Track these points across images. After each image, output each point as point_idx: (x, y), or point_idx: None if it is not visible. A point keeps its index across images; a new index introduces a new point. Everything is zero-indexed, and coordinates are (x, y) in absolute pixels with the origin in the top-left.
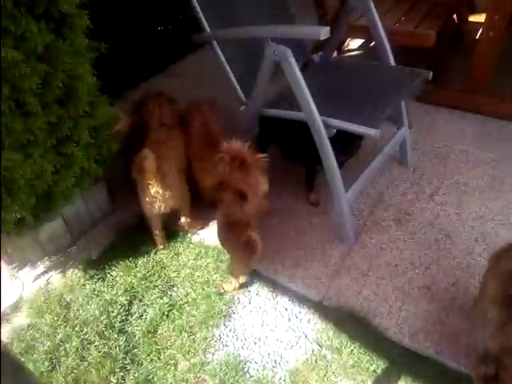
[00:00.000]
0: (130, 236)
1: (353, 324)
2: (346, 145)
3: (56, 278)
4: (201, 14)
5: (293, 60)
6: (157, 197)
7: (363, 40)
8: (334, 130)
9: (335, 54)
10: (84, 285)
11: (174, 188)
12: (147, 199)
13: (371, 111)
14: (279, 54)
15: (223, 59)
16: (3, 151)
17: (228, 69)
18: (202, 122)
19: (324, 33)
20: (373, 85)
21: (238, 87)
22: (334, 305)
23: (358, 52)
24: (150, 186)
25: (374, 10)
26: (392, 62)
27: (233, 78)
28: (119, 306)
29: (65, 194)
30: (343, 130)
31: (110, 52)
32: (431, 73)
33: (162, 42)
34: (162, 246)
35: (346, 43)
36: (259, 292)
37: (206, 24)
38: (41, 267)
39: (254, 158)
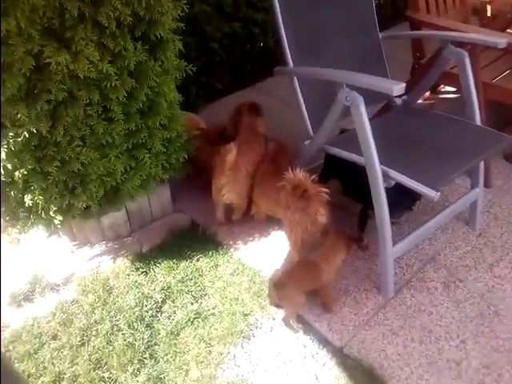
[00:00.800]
0: (179, 238)
1: (367, 380)
2: (403, 199)
3: (107, 263)
4: (287, 49)
5: (363, 108)
6: (224, 186)
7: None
8: (393, 182)
9: (428, 94)
10: (128, 274)
11: (239, 185)
12: (217, 185)
13: (439, 171)
14: (350, 99)
15: (299, 92)
16: (84, 148)
17: (301, 101)
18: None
19: (397, 90)
20: (450, 142)
21: (307, 121)
22: (354, 355)
23: (455, 96)
24: (223, 176)
25: (467, 61)
26: (478, 119)
27: (304, 111)
28: (153, 302)
29: (130, 193)
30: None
31: (202, 66)
32: None
33: (252, 58)
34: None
35: (440, 87)
36: (283, 322)
37: (290, 59)
38: (97, 249)
39: (316, 190)
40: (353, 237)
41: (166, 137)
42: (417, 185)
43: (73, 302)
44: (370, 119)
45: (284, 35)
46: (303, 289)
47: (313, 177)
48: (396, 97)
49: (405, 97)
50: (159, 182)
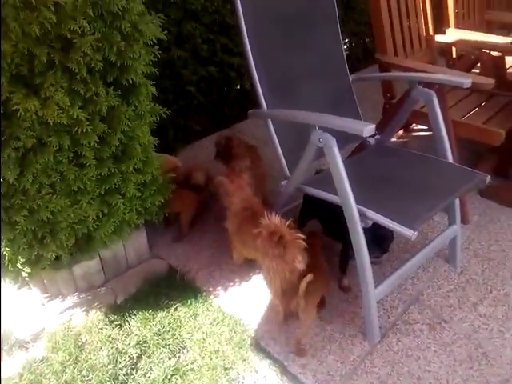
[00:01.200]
0: (156, 287)
1: None
2: (382, 239)
3: (79, 316)
4: (260, 92)
5: (336, 149)
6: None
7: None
8: (370, 222)
9: (401, 132)
10: (102, 329)
11: None
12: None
13: (415, 209)
14: (323, 141)
15: (273, 133)
16: (54, 196)
17: (276, 142)
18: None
19: (367, 131)
20: (425, 180)
21: (283, 161)
22: None
23: (428, 133)
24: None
25: (435, 101)
26: (450, 156)
27: (280, 152)
28: (128, 358)
29: (103, 240)
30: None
31: (180, 109)
32: (488, 177)
33: (229, 100)
34: None
35: (412, 125)
36: (267, 375)
37: (263, 101)
38: (69, 301)
39: (292, 236)
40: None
41: (140, 181)
42: (394, 224)
43: (42, 360)
44: (345, 159)
45: (257, 78)
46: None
47: (288, 222)
48: (369, 136)
49: (378, 136)
50: (134, 227)
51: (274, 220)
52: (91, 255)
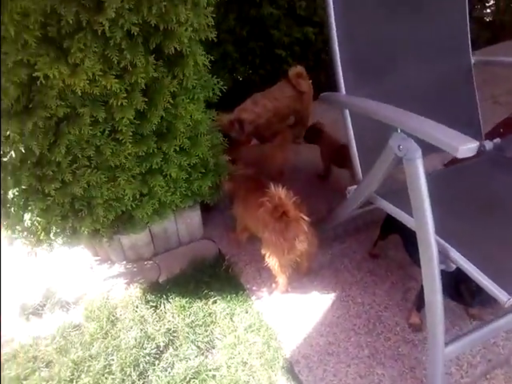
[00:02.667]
0: (199, 272)
1: None
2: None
3: (120, 287)
4: (340, 70)
5: (419, 164)
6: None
7: None
8: (454, 266)
9: None
10: (137, 307)
11: None
12: None
13: None
14: (404, 149)
15: (349, 125)
16: (89, 170)
17: (352, 136)
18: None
19: (464, 151)
20: None
21: (357, 161)
22: None
23: None
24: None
25: None
26: None
27: (354, 149)
28: (154, 346)
29: (144, 220)
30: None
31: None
32: None
33: (326, 67)
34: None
35: None
36: None
37: (342, 84)
38: (116, 269)
39: (297, 215)
40: None
41: (184, 163)
42: (485, 280)
43: (75, 327)
44: (441, 167)
45: (337, 51)
46: None
47: (295, 198)
48: (486, 139)
49: (497, 140)
50: (181, 208)
51: (280, 193)
52: (134, 231)
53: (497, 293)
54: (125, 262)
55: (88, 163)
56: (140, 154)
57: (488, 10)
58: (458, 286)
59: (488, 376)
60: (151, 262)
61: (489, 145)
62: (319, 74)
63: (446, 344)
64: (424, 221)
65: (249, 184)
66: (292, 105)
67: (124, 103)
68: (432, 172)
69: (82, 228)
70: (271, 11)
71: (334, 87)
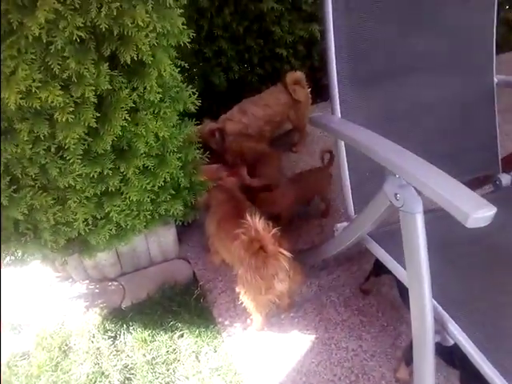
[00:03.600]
0: (168, 300)
1: None
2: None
3: (78, 311)
4: (336, 88)
5: (419, 219)
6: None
7: None
8: (452, 341)
9: None
10: (94, 336)
11: None
12: None
13: None
14: (401, 199)
15: (344, 157)
16: (32, 191)
17: (346, 171)
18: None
19: (476, 221)
20: None
21: (350, 197)
22: None
23: None
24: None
25: None
26: None
27: (347, 181)
28: None
29: (100, 245)
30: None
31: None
32: None
33: None
34: None
35: None
36: None
37: (337, 105)
38: (76, 289)
39: (276, 250)
40: None
41: (147, 185)
42: (486, 366)
43: (23, 355)
44: None
45: (334, 65)
46: None
47: (274, 230)
48: (503, 172)
49: None
50: (144, 232)
51: (257, 224)
52: (90, 257)
53: (497, 382)
54: (87, 282)
55: (32, 183)
56: (93, 174)
57: None
58: (455, 358)
59: None
60: (116, 283)
61: (505, 179)
62: (323, 75)
63: None
64: (420, 282)
65: (226, 206)
66: (286, 112)
67: (70, 119)
68: (431, 209)
69: (28, 253)
70: (272, 5)
71: None
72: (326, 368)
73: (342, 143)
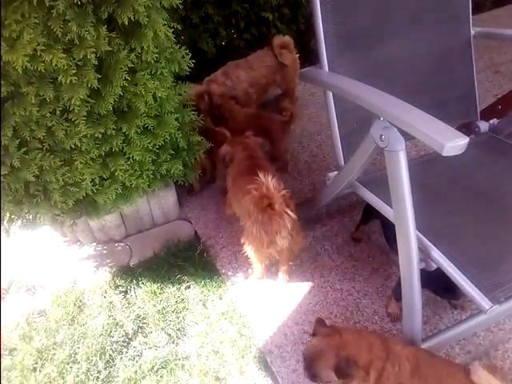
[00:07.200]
0: (173, 256)
1: None
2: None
3: (89, 271)
4: (322, 43)
5: (402, 156)
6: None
7: None
8: (434, 266)
9: None
10: (106, 292)
11: None
12: None
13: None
14: (386, 140)
15: (333, 109)
16: (41, 153)
17: (335, 123)
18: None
19: (450, 149)
20: None
21: (339, 145)
22: None
23: None
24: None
25: None
26: None
27: (336, 132)
28: (122, 333)
29: (107, 205)
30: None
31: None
32: None
33: None
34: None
35: None
36: None
37: (324, 57)
38: (85, 251)
39: (282, 208)
40: None
41: (148, 145)
42: (467, 284)
43: (40, 313)
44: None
45: (320, 18)
46: None
47: (285, 191)
48: (481, 120)
49: (494, 121)
50: (148, 192)
51: (269, 183)
52: (98, 217)
53: (479, 300)
54: (94, 244)
55: (40, 146)
56: (97, 135)
57: None
58: (439, 283)
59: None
60: (122, 243)
61: (484, 126)
62: (310, 38)
63: (423, 340)
64: (404, 216)
65: (245, 162)
66: (271, 75)
67: (74, 81)
68: (415, 157)
69: (40, 213)
70: None
71: None
72: (323, 307)
73: (331, 96)
